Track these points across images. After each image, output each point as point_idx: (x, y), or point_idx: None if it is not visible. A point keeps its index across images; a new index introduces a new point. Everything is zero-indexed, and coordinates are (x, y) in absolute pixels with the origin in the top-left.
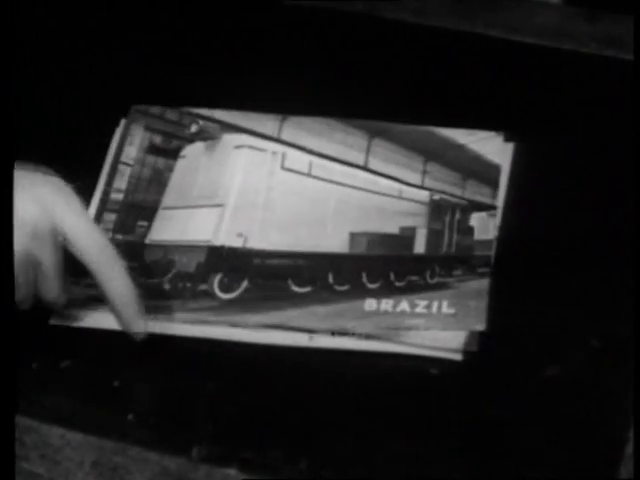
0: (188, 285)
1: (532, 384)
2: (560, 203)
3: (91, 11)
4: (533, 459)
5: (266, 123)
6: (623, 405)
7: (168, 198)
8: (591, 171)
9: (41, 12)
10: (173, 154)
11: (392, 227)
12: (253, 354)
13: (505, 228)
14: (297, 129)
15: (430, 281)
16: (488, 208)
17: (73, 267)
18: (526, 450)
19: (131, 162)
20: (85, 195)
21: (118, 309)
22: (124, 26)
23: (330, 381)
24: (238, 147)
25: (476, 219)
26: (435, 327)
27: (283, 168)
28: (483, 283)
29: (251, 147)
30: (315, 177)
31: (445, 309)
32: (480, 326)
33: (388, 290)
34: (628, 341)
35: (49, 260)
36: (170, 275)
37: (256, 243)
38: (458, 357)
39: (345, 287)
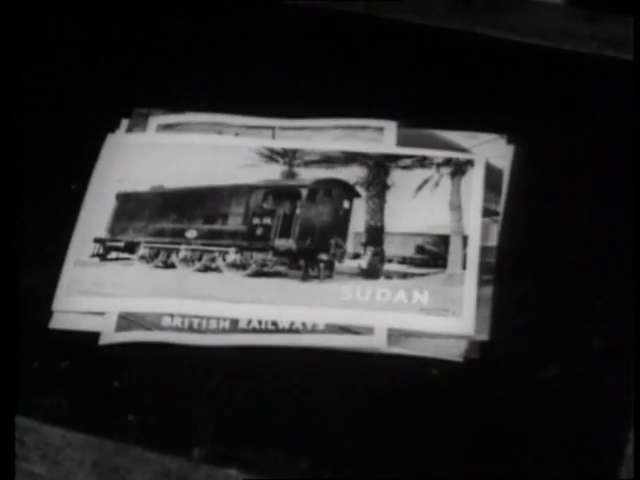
0: None
1: (533, 385)
2: (559, 204)
3: (92, 12)
4: (533, 459)
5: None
6: (623, 406)
7: None
8: (591, 172)
9: (42, 13)
10: None
11: None
12: (254, 354)
13: (505, 232)
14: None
15: None
16: (491, 214)
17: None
18: (527, 450)
19: None
20: (82, 197)
21: None
22: (125, 28)
23: (330, 381)
24: None
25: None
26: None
27: None
28: (487, 291)
29: None
30: None
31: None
32: (484, 335)
33: None
34: (628, 342)
35: None
36: None
37: None
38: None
39: None
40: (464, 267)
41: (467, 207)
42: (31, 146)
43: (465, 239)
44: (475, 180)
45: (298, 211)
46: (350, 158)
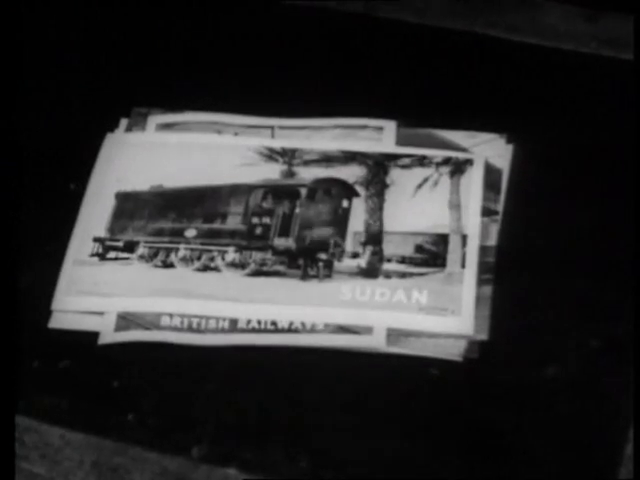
0: None
1: (532, 385)
2: (559, 204)
3: (92, 12)
4: (533, 459)
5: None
6: (623, 405)
7: None
8: (590, 171)
9: (42, 13)
10: None
11: None
12: (253, 354)
13: (505, 231)
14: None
15: None
16: (490, 213)
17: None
18: (526, 450)
19: None
20: (82, 196)
21: None
22: (124, 28)
23: (330, 381)
24: None
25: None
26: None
27: None
28: (486, 290)
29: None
30: None
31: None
32: (483, 335)
33: None
34: (628, 341)
35: None
36: None
37: None
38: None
39: None
40: (463, 266)
41: (466, 206)
42: (31, 146)
43: (464, 238)
44: (474, 179)
45: (297, 210)
46: (349, 157)
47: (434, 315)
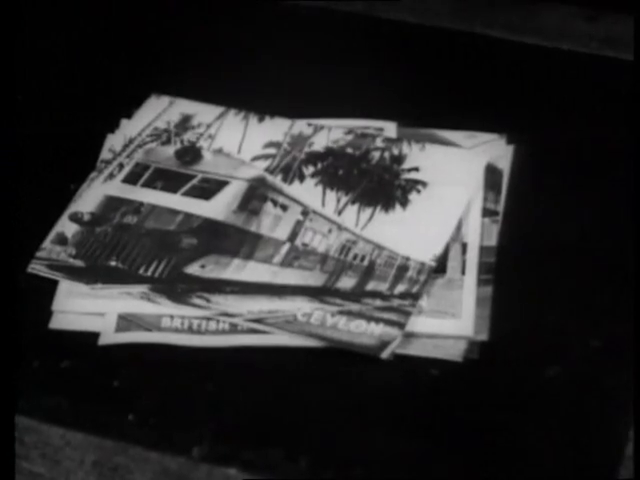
0: None
1: (533, 385)
2: (559, 204)
3: (93, 12)
4: (533, 459)
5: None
6: (623, 405)
7: None
8: (590, 172)
9: (42, 13)
10: None
11: None
12: (253, 355)
13: (505, 231)
14: None
15: None
16: (491, 214)
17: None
18: (526, 450)
19: None
20: None
21: None
22: (126, 29)
23: (330, 381)
24: None
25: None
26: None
27: None
28: (486, 291)
29: None
30: None
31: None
32: (483, 336)
33: None
34: (628, 341)
35: None
36: None
37: None
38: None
39: None
40: (463, 273)
41: (467, 207)
42: (31, 146)
43: (464, 246)
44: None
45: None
46: None
47: (434, 318)
